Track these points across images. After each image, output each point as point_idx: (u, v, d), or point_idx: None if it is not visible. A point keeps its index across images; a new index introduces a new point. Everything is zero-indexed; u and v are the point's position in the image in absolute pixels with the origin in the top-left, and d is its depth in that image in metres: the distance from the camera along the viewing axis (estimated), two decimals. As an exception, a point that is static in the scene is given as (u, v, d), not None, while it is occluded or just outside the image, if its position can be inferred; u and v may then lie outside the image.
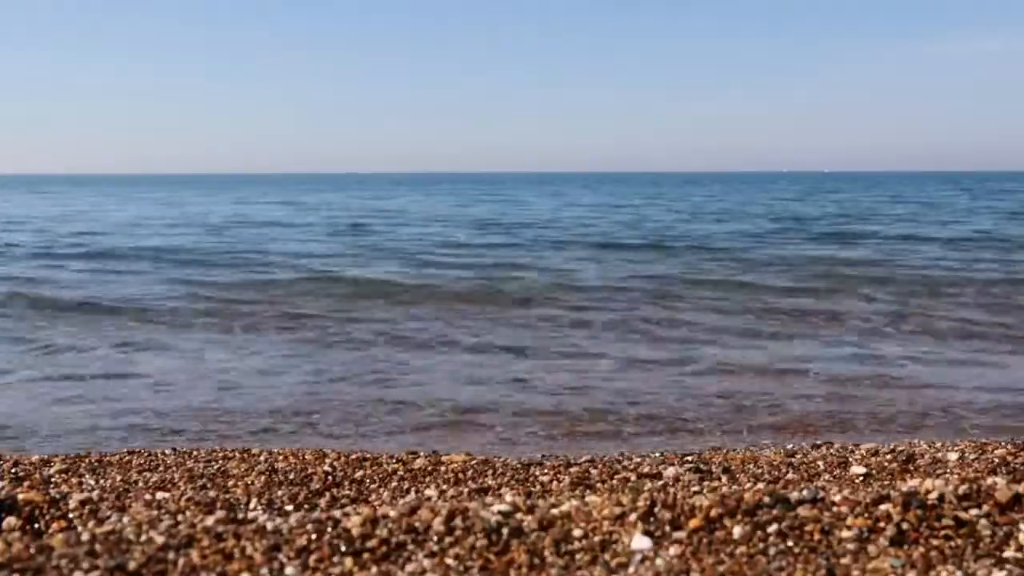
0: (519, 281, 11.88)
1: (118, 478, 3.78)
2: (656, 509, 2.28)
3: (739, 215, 28.99)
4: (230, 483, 3.69)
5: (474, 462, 4.04)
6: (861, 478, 3.73)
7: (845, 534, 2.17)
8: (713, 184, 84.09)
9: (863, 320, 8.89)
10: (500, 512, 2.27)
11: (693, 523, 2.22)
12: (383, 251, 16.87)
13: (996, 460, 3.94)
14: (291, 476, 3.76)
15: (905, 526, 2.19)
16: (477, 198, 46.90)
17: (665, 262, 14.62)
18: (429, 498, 3.46)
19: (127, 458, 4.20)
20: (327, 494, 3.52)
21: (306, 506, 3.34)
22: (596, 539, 2.17)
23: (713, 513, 2.25)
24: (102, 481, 3.73)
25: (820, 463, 4.02)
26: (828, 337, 8.06)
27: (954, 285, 11.32)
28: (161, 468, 3.99)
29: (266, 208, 36.56)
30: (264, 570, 1.99)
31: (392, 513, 2.26)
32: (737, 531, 2.19)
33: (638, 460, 4.14)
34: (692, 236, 19.96)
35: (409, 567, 2.03)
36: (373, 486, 3.65)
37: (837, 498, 2.33)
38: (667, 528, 2.22)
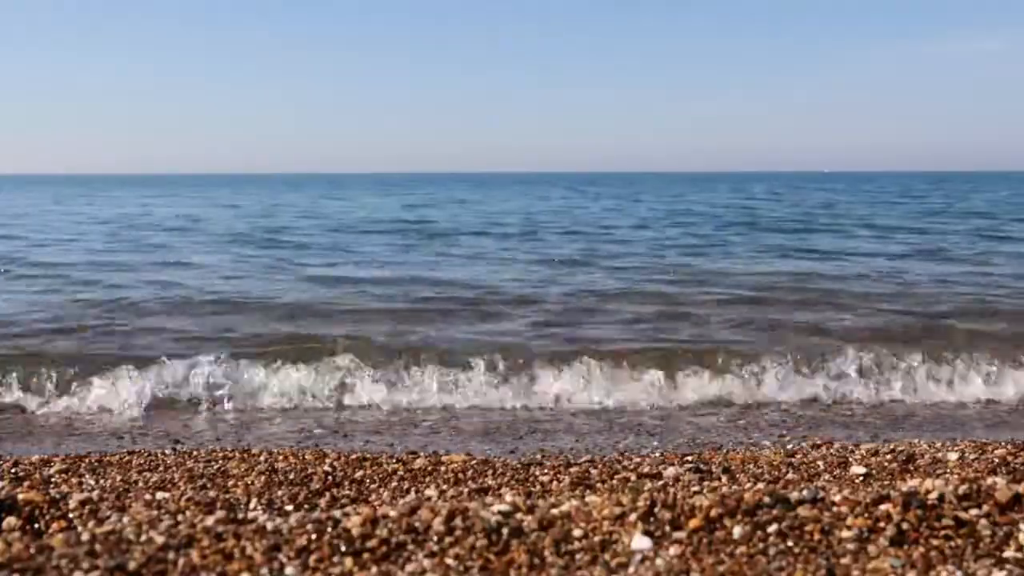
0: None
1: (118, 478, 3.78)
2: (656, 509, 2.28)
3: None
4: (230, 483, 3.69)
5: (474, 462, 4.04)
6: (861, 478, 3.73)
7: (845, 534, 2.17)
8: (705, 183, 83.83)
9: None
10: (500, 512, 2.27)
11: (693, 523, 2.22)
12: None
13: (996, 460, 3.94)
14: (291, 476, 3.76)
15: (905, 526, 2.19)
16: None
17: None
18: (429, 498, 3.45)
19: (127, 458, 4.20)
20: (327, 494, 3.52)
21: (306, 506, 3.34)
22: (596, 539, 2.17)
23: (713, 513, 2.25)
24: (102, 481, 3.73)
25: (820, 463, 4.02)
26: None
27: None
28: (161, 468, 3.99)
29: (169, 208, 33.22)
30: (264, 570, 1.99)
31: (392, 513, 2.26)
32: (737, 531, 2.19)
33: (638, 460, 4.14)
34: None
35: (409, 567, 2.03)
36: (373, 486, 3.65)
37: (837, 498, 2.33)
38: (667, 528, 2.22)
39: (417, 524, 2.20)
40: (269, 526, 2.18)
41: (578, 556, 2.10)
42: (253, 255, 14.84)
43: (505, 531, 2.18)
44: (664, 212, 28.24)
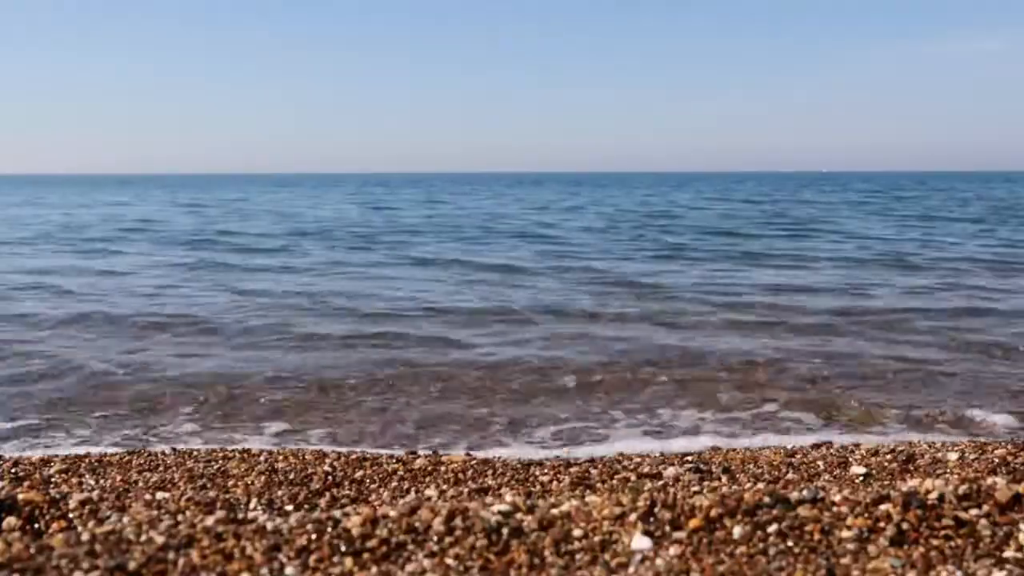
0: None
1: (118, 478, 3.78)
2: (656, 509, 2.28)
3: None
4: (230, 483, 3.69)
5: (474, 462, 4.04)
6: (861, 478, 3.73)
7: (845, 534, 2.17)
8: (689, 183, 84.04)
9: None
10: (500, 512, 2.27)
11: (693, 523, 2.22)
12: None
13: (996, 460, 3.94)
14: (291, 476, 3.76)
15: (905, 526, 2.19)
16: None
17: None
18: (429, 498, 3.45)
19: (127, 458, 4.20)
20: (327, 494, 3.52)
21: (306, 506, 3.34)
22: (596, 539, 2.17)
23: (713, 513, 2.25)
24: (102, 481, 3.73)
25: (820, 463, 4.02)
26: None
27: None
28: (161, 468, 3.99)
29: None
30: (264, 570, 1.99)
31: (392, 513, 2.26)
32: (737, 531, 2.19)
33: (638, 460, 4.14)
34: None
35: (409, 567, 2.03)
36: (373, 486, 3.65)
37: (837, 498, 2.33)
38: (667, 528, 2.22)
39: (417, 524, 2.20)
40: (269, 526, 2.18)
41: (578, 556, 2.10)
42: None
43: (505, 531, 2.18)
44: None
